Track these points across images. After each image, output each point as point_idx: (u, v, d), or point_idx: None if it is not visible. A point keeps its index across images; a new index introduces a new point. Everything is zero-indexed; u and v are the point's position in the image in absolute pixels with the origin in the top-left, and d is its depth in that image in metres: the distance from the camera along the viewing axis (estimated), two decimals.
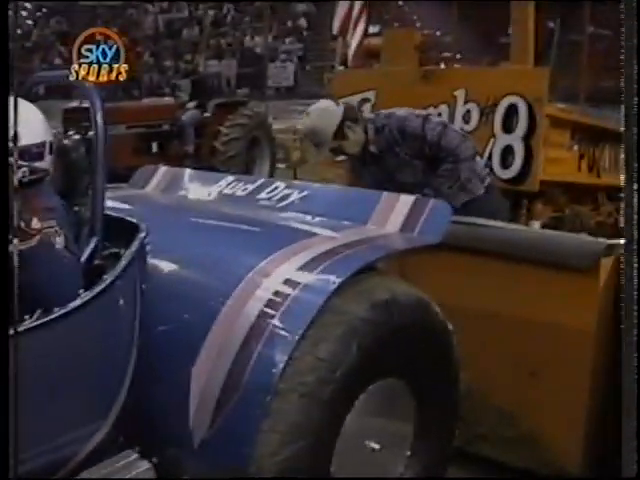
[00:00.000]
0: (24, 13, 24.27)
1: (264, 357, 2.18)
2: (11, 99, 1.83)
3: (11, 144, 2.37)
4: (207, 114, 10.40)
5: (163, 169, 3.65)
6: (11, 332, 1.72)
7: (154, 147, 9.92)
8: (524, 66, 4.68)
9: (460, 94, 4.45)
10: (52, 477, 2.15)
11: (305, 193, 3.03)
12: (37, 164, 2.41)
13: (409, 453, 2.67)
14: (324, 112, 3.70)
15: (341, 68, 8.43)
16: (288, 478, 2.17)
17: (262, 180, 3.27)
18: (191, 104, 10.47)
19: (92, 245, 2.46)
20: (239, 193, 3.20)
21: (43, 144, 2.46)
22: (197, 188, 3.46)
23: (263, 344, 2.20)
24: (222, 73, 21.12)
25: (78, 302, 2.15)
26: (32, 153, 2.42)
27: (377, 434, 2.52)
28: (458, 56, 17.53)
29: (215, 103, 10.49)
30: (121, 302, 2.33)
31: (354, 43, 6.96)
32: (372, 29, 8.16)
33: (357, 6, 6.80)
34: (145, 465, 2.29)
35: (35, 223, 2.20)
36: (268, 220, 2.90)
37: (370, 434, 2.50)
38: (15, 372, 1.72)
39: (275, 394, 2.15)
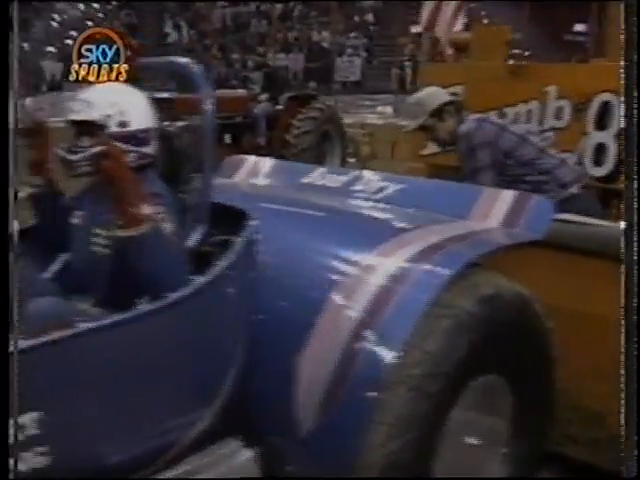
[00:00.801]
0: (95, 6, 24.63)
1: (373, 350, 2.17)
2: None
3: (119, 129, 2.40)
4: (279, 107, 10.43)
5: (252, 159, 3.65)
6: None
7: (227, 138, 9.96)
8: (619, 63, 4.57)
9: (551, 90, 4.37)
10: (154, 463, 2.16)
11: (402, 186, 2.99)
12: (144, 150, 2.45)
13: (505, 450, 2.63)
14: (434, 89, 3.96)
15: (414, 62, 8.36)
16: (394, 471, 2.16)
17: (356, 172, 3.26)
18: (263, 96, 10.51)
19: (199, 232, 2.46)
20: (332, 184, 3.18)
21: (149, 130, 2.48)
22: (287, 178, 3.45)
23: (372, 337, 2.18)
24: (289, 67, 21.21)
25: (192, 288, 2.15)
26: (139, 138, 2.44)
27: (475, 430, 2.50)
28: (527, 53, 17.38)
29: (287, 96, 10.51)
30: (232, 290, 2.32)
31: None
32: None
33: (453, 3, 6.75)
34: (248, 454, 2.30)
35: (145, 209, 2.19)
36: (366, 212, 2.88)
37: (468, 429, 2.48)
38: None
39: (384, 387, 2.14)
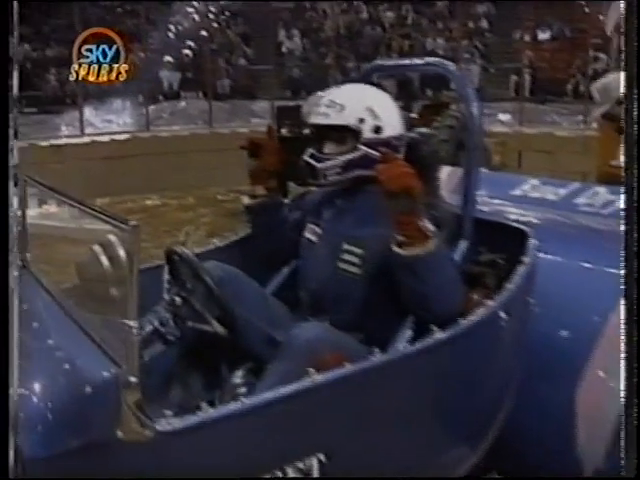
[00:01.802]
0: (211, 16, 24.91)
1: None
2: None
3: (373, 135, 2.23)
4: (413, 115, 10.25)
5: (447, 169, 3.49)
6: None
7: None
8: None
9: None
10: None
11: None
12: None
13: None
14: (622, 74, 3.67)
15: None
16: None
17: (576, 184, 3.08)
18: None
19: (461, 249, 2.27)
20: (550, 197, 3.03)
21: (401, 137, 2.33)
22: (496, 190, 3.29)
23: None
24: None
25: (484, 314, 1.94)
26: (392, 146, 2.28)
27: None
28: None
29: (422, 104, 10.36)
30: (513, 316, 2.07)
31: None
32: None
33: None
34: None
35: (427, 224, 1.98)
36: (606, 227, 2.68)
37: None
38: None
39: None
